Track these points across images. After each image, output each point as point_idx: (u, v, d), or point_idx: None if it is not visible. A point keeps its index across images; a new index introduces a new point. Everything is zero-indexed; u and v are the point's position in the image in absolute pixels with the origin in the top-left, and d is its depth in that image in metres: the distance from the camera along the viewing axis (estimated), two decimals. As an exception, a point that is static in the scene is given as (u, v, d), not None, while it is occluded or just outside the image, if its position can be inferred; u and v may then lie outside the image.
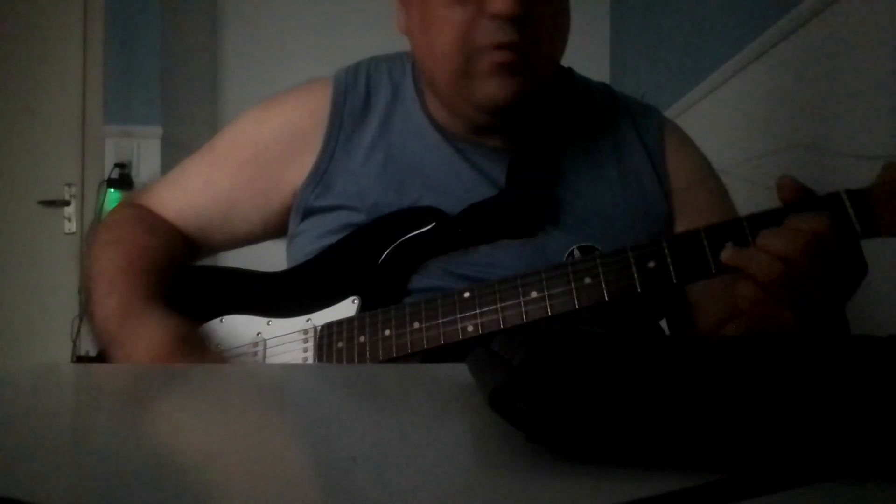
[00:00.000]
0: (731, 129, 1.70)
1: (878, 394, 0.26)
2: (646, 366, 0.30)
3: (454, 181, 0.89)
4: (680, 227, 0.91)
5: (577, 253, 0.85)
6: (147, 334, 0.82)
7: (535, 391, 0.28)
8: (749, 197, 1.07)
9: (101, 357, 0.99)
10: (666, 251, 0.73)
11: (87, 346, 2.53)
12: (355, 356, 0.82)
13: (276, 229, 0.99)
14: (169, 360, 0.80)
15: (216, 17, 3.06)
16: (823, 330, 0.70)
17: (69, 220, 2.82)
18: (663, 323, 0.98)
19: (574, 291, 0.75)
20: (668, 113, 1.84)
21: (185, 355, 0.80)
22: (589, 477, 0.27)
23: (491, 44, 0.81)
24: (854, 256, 0.68)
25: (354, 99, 0.95)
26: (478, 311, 0.78)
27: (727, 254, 0.69)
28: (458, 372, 0.47)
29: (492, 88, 0.83)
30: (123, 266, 0.90)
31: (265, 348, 0.88)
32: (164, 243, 0.95)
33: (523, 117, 0.89)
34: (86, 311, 0.92)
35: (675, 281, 0.73)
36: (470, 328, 0.77)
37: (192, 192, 0.99)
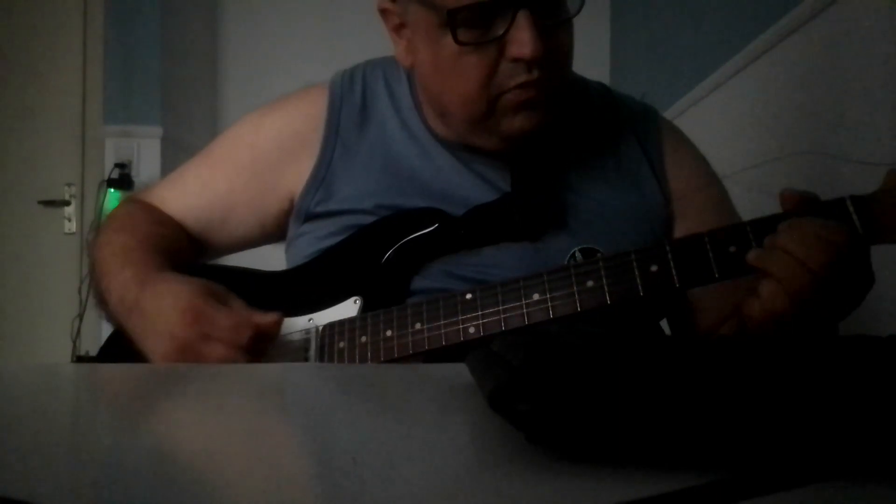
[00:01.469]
0: (731, 130, 1.69)
1: (878, 394, 0.26)
2: (646, 366, 0.30)
3: (455, 187, 0.89)
4: (680, 229, 0.91)
5: (578, 255, 0.85)
6: (170, 290, 0.79)
7: (535, 392, 0.28)
8: (753, 203, 1.07)
9: (101, 357, 0.99)
10: (669, 255, 0.73)
11: (87, 346, 2.53)
12: (357, 356, 0.82)
13: (274, 233, 0.99)
14: (197, 314, 0.76)
15: (216, 17, 3.06)
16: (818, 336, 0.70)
17: (69, 220, 2.82)
18: (663, 323, 0.98)
19: (576, 294, 0.75)
20: (668, 113, 1.84)
21: (214, 309, 0.77)
22: (589, 477, 0.27)
23: (514, 84, 0.81)
24: (864, 268, 0.68)
25: (351, 105, 0.95)
26: (480, 312, 0.78)
27: (753, 255, 0.69)
28: (458, 372, 0.47)
29: (518, 123, 0.84)
30: (134, 245, 0.89)
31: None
32: (172, 233, 0.96)
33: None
34: (97, 292, 0.90)
35: (677, 285, 0.73)
36: (472, 330, 0.78)
37: (190, 194, 0.99)
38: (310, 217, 0.93)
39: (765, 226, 0.70)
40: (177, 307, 0.78)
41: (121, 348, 0.94)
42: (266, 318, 0.79)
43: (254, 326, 0.77)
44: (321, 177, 0.93)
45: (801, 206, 0.70)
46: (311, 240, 0.92)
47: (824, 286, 0.65)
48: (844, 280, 0.66)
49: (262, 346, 0.79)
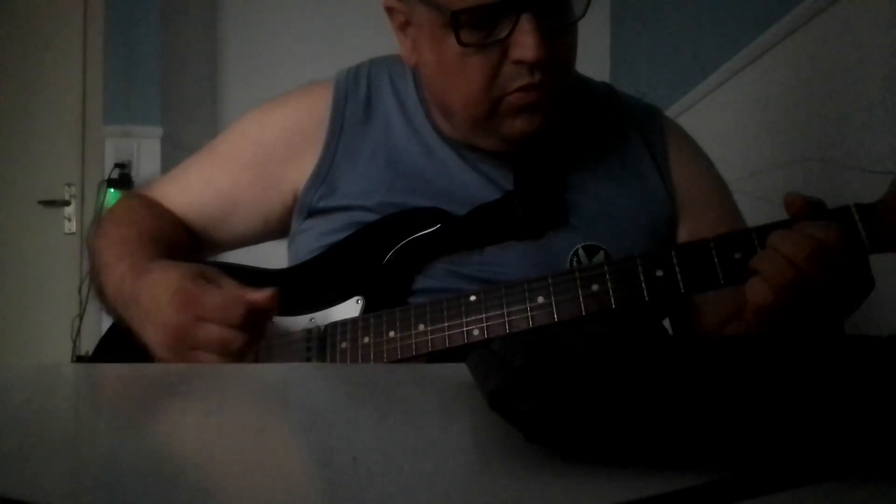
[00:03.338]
0: (731, 129, 1.69)
1: (878, 394, 0.26)
2: (646, 366, 0.30)
3: (459, 186, 0.89)
4: (684, 228, 0.91)
5: (581, 252, 0.85)
6: (162, 278, 0.79)
7: (535, 392, 0.28)
8: (751, 200, 1.07)
9: (96, 355, 0.99)
10: (674, 260, 0.73)
11: (87, 346, 2.53)
12: (359, 357, 0.82)
13: (277, 229, 0.99)
14: (186, 298, 0.75)
15: (216, 17, 3.05)
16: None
17: (69, 220, 2.82)
18: (666, 322, 0.98)
19: (581, 298, 0.75)
20: (668, 113, 1.84)
21: (202, 290, 0.76)
22: (589, 477, 0.27)
23: (516, 87, 0.81)
24: (861, 271, 0.68)
25: (355, 102, 0.95)
26: (484, 315, 0.78)
27: (753, 259, 0.69)
28: (458, 372, 0.47)
29: (520, 125, 0.84)
30: (133, 237, 0.89)
31: (267, 347, 0.88)
32: (172, 227, 0.95)
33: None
34: (96, 284, 0.90)
35: (682, 290, 0.73)
36: (476, 332, 0.77)
37: (193, 190, 0.99)
38: (312, 213, 0.93)
39: (770, 232, 0.70)
40: (167, 292, 0.77)
41: (116, 347, 0.94)
42: (259, 294, 0.76)
43: (245, 303, 0.75)
44: (324, 173, 0.93)
45: (806, 211, 0.70)
46: (314, 236, 0.92)
47: (810, 282, 0.65)
48: (833, 279, 0.66)
49: (260, 324, 0.77)
